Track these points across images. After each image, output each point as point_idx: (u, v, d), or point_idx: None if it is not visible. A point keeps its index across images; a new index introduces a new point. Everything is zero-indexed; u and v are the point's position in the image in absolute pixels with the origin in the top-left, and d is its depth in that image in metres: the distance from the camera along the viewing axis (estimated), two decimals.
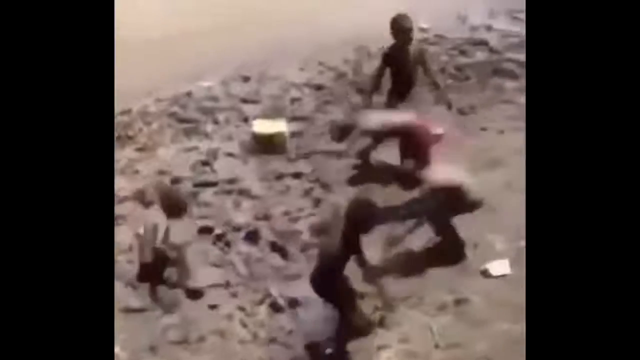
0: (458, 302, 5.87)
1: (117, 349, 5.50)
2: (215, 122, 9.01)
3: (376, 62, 10.61)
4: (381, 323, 5.72)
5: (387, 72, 8.00)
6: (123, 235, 6.71)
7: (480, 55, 10.40)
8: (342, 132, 7.85)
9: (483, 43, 10.60)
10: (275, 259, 6.57)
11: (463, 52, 10.63)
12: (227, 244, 6.79)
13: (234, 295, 6.17)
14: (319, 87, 9.91)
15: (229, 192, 7.56)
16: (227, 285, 6.28)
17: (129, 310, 5.96)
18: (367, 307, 5.82)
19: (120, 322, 5.73)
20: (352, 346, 5.42)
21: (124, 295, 6.10)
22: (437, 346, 5.45)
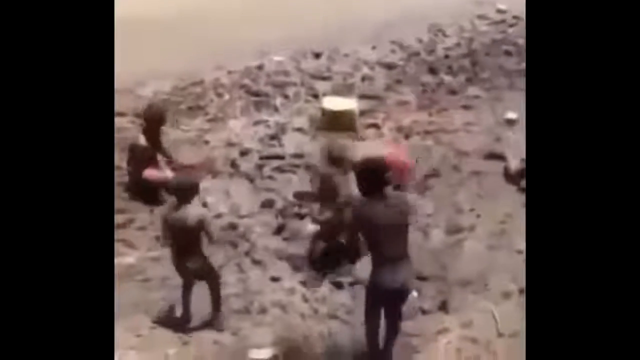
0: (522, 290, 5.73)
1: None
2: (285, 96, 9.02)
3: (450, 41, 10.55)
4: (443, 307, 5.64)
5: None
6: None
7: None
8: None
9: None
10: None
11: None
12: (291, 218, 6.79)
13: (297, 268, 6.17)
14: (390, 66, 9.80)
15: (295, 167, 7.56)
16: (289, 259, 6.29)
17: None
18: (430, 290, 5.76)
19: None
20: (411, 328, 5.35)
21: None
22: (500, 334, 5.33)
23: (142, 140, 6.89)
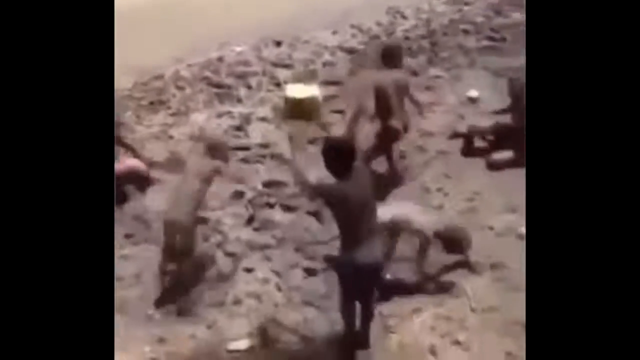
0: (494, 266, 5.81)
1: (151, 311, 5.58)
2: (248, 86, 8.98)
3: (408, 23, 10.59)
4: (418, 287, 5.70)
5: None
6: (156, 199, 6.78)
7: (517, 16, 10.17)
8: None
9: (519, 5, 10.34)
10: (312, 223, 6.55)
11: (499, 13, 10.42)
12: (261, 207, 6.78)
13: (269, 259, 6.18)
14: (351, 51, 9.81)
15: (262, 157, 7.54)
16: (262, 248, 6.28)
17: (166, 273, 6.00)
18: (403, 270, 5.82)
19: (157, 285, 5.85)
20: (387, 308, 5.40)
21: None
22: (472, 310, 5.40)
23: None
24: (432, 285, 5.67)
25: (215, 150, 6.10)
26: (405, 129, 6.89)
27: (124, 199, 6.83)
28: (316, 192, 4.73)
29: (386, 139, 6.89)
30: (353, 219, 4.48)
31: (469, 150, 7.50)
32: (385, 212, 5.40)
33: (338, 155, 4.48)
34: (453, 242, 5.68)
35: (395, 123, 6.73)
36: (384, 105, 6.63)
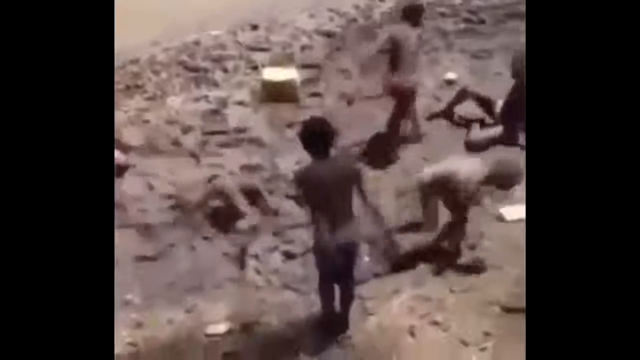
0: (472, 247, 5.82)
1: (129, 296, 5.53)
2: (225, 70, 8.90)
3: (386, 6, 10.53)
4: (395, 268, 5.71)
5: None
6: (132, 184, 6.73)
7: None
8: None
9: None
10: (291, 207, 6.53)
11: None
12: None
13: (248, 243, 6.15)
14: (329, 34, 9.75)
15: (239, 141, 7.49)
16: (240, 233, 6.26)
17: (143, 258, 5.96)
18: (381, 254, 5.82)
19: (134, 270, 5.81)
20: (366, 290, 5.40)
21: (138, 243, 6.12)
22: (451, 290, 5.42)
23: None
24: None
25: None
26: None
27: None
28: (295, 180, 4.66)
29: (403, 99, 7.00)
30: (327, 200, 4.46)
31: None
32: (424, 173, 5.43)
33: (316, 134, 4.45)
34: (503, 178, 5.30)
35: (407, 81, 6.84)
36: (400, 57, 6.76)
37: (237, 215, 6.34)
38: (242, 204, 6.36)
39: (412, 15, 6.92)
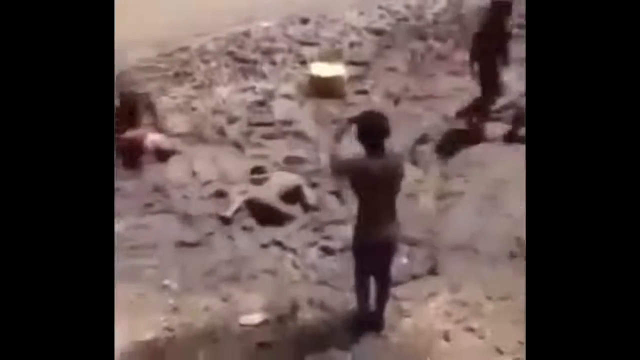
0: (512, 254, 5.75)
1: (167, 281, 5.59)
2: (273, 63, 8.94)
3: (438, 7, 10.45)
4: (433, 271, 5.66)
5: None
6: (178, 172, 6.79)
7: None
8: None
9: None
10: (332, 203, 6.52)
11: None
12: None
13: (287, 236, 6.16)
14: (378, 32, 9.72)
15: (284, 133, 7.51)
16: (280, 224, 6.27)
17: (182, 244, 6.02)
18: (420, 255, 5.77)
19: (174, 255, 5.86)
20: (401, 292, 5.37)
21: (178, 229, 6.18)
22: (488, 297, 5.36)
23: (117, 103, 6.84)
24: None
25: None
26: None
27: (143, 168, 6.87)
28: (341, 166, 4.64)
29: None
30: (373, 196, 4.44)
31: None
32: None
33: (373, 127, 4.43)
34: None
35: None
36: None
37: (277, 217, 6.36)
38: (283, 208, 6.37)
39: None
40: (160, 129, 7.18)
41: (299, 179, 6.66)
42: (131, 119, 6.94)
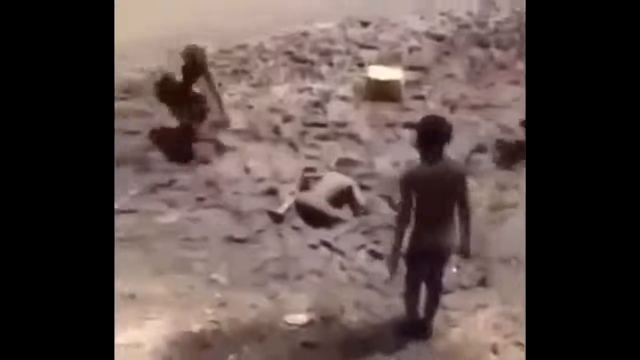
0: None
1: (216, 275, 5.63)
2: (330, 64, 8.94)
3: (501, 15, 10.30)
4: (483, 283, 5.57)
5: None
6: (230, 166, 6.85)
7: None
8: None
9: None
10: (383, 207, 6.48)
11: None
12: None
13: (336, 238, 6.14)
14: (438, 38, 9.63)
15: (338, 135, 7.50)
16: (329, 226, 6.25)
17: (232, 240, 6.05)
18: (470, 266, 5.68)
19: (223, 250, 5.90)
20: (449, 302, 5.29)
21: (229, 225, 6.22)
22: None
23: (177, 77, 6.88)
24: None
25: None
26: None
27: (198, 160, 6.94)
28: (409, 179, 4.53)
29: None
30: (429, 204, 4.38)
31: None
32: None
33: (434, 133, 4.36)
34: None
35: None
36: None
37: (327, 218, 6.35)
38: (331, 212, 6.35)
39: None
40: (216, 95, 7.27)
41: (350, 181, 6.63)
42: (194, 73, 6.97)
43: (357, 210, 6.43)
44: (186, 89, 7.01)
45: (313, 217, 6.30)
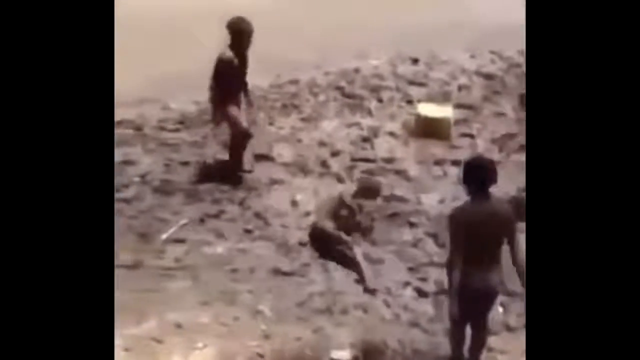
0: None
1: (261, 307, 5.68)
2: (380, 100, 9.00)
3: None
4: None
5: None
6: (278, 199, 6.94)
7: None
8: None
9: None
10: (430, 244, 6.48)
11: None
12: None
13: (381, 274, 6.14)
14: (488, 76, 9.63)
15: (385, 171, 7.53)
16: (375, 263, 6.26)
17: (278, 272, 6.10)
18: (517, 306, 5.60)
19: (269, 283, 5.96)
20: (496, 342, 5.22)
21: (275, 257, 6.28)
22: None
23: (227, 53, 6.88)
24: None
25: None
26: None
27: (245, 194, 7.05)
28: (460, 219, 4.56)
29: None
30: (477, 242, 4.39)
31: None
32: None
33: (480, 170, 4.41)
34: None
35: None
36: None
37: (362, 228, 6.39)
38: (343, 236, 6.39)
39: None
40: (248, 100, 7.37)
41: (397, 218, 6.64)
42: (242, 45, 6.94)
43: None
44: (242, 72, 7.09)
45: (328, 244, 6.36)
